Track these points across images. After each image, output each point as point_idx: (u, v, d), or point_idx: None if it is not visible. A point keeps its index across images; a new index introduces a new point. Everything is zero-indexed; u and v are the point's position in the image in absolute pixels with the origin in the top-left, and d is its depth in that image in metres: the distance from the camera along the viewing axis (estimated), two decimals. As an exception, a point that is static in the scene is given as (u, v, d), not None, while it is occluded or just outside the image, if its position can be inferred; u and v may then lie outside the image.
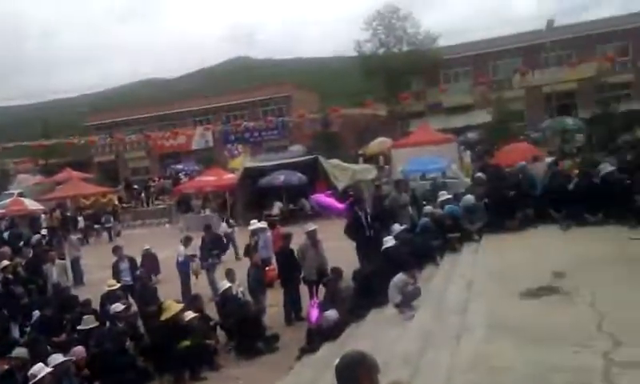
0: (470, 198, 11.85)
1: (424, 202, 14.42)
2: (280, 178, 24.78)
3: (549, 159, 18.67)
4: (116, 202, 32.72)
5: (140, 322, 10.77)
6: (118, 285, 11.76)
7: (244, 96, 50.65)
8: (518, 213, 11.43)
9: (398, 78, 42.54)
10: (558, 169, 14.45)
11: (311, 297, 10.85)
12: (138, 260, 14.10)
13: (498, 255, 9.59)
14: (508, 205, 11.65)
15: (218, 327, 10.13)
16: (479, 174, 15.17)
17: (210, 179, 29.54)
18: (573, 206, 10.94)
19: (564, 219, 10.88)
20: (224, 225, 19.62)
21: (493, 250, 10.08)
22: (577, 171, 13.75)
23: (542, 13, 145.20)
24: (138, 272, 12.86)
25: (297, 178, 24.83)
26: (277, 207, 24.40)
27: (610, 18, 43.71)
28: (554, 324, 5.88)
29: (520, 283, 7.34)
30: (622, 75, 39.26)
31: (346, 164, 27.20)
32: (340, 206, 17.91)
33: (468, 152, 30.97)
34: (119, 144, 46.40)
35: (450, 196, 13.16)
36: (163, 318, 9.09)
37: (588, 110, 35.04)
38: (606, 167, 11.24)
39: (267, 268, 12.82)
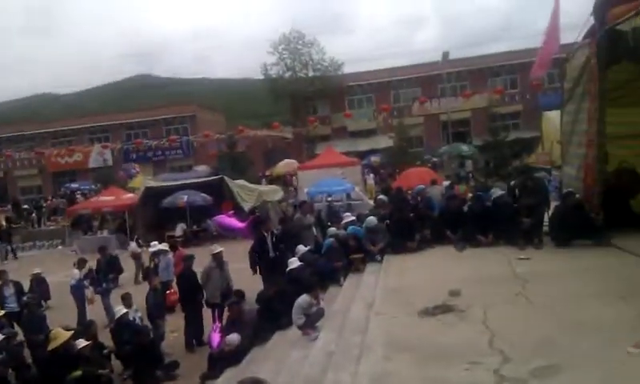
0: (372, 220, 12.10)
1: (328, 224, 14.61)
2: (183, 198, 24.14)
3: (446, 183, 19.63)
4: (3, 223, 30.41)
5: (28, 352, 10.01)
6: (2, 312, 10.88)
7: (146, 114, 49.20)
8: (417, 234, 11.84)
9: (304, 101, 43.24)
10: (454, 192, 15.16)
11: (214, 321, 10.59)
12: (27, 285, 13.14)
13: (398, 275, 9.83)
14: (408, 226, 12.01)
15: (113, 355, 9.63)
16: (381, 196, 15.58)
17: (108, 199, 28.22)
18: (467, 228, 11.52)
19: (459, 240, 11.37)
20: (133, 244, 18.85)
21: (393, 270, 10.32)
22: (471, 195, 14.50)
23: (439, 45, 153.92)
24: (25, 298, 11.95)
25: (201, 198, 24.33)
26: (180, 228, 23.74)
27: (501, 53, 46.97)
28: (449, 341, 6.08)
29: (418, 302, 7.54)
30: (512, 106, 42.38)
31: (252, 185, 27.06)
32: (240, 225, 17.75)
33: (372, 175, 31.99)
34: (8, 161, 43.27)
35: (353, 217, 13.42)
36: (51, 347, 8.46)
37: (480, 138, 37.32)
38: (497, 191, 11.93)
39: (168, 292, 12.43)
